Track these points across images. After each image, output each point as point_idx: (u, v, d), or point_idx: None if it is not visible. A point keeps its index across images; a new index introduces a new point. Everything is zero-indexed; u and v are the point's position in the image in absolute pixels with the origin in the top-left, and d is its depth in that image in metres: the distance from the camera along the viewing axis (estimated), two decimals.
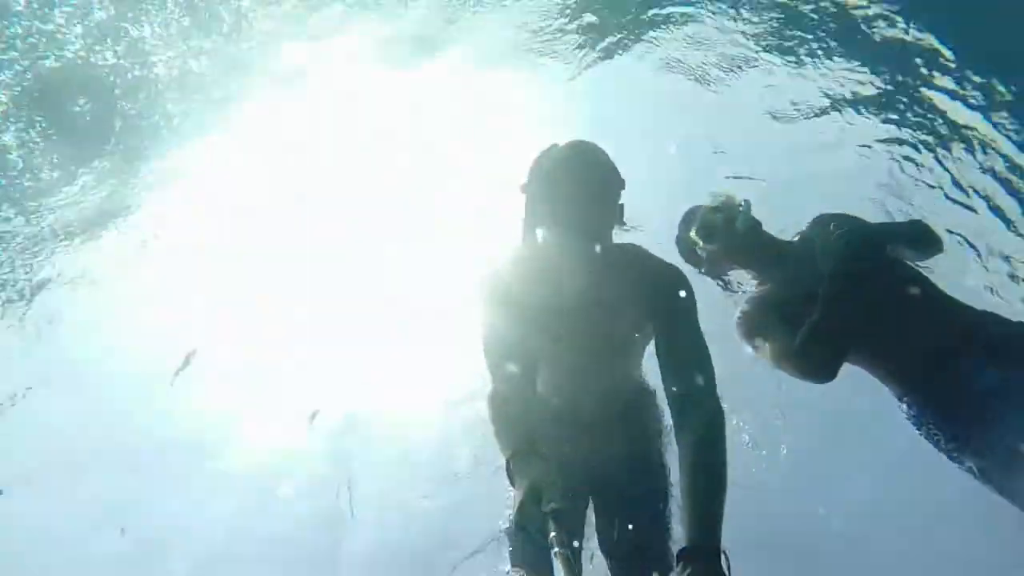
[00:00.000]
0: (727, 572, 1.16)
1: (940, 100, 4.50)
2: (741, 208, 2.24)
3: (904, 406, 2.03)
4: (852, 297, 1.89)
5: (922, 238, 2.22)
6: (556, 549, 0.98)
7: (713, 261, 2.29)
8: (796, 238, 2.36)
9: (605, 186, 1.63)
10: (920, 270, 2.16)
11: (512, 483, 1.22)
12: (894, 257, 2.13)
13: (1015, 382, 1.80)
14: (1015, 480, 1.78)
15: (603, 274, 1.66)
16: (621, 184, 1.68)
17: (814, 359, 1.89)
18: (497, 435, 1.43)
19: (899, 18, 4.29)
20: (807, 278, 2.02)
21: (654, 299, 1.67)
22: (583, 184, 1.58)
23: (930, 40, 4.29)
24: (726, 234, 2.21)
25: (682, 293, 1.67)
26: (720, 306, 2.43)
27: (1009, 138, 4.36)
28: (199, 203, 5.51)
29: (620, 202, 1.69)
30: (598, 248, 1.62)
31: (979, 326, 2.00)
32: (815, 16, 4.52)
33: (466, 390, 5.19)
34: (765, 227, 2.30)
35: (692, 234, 2.28)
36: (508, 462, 1.27)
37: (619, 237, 1.79)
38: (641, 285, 1.68)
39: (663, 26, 4.91)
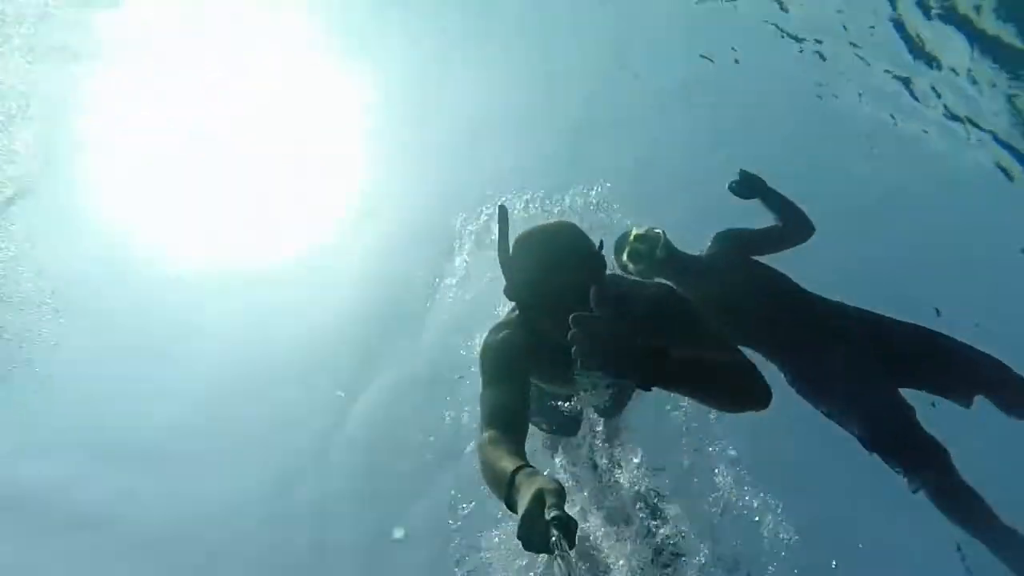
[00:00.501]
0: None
1: None
2: (660, 239, 2.98)
3: (783, 375, 2.87)
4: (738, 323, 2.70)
5: (796, 232, 2.99)
6: (556, 552, 0.99)
7: (642, 275, 3.03)
8: (704, 252, 3.12)
9: (586, 281, 1.53)
10: (785, 274, 2.97)
11: (512, 507, 1.20)
12: (766, 268, 2.94)
13: (843, 359, 2.66)
14: (848, 421, 2.66)
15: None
16: (603, 265, 1.68)
17: None
18: (488, 471, 1.38)
19: None
20: (713, 291, 2.80)
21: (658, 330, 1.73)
22: (571, 297, 1.47)
23: None
24: (649, 259, 2.95)
25: (680, 311, 1.79)
26: None
27: None
28: None
29: (605, 274, 1.71)
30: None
31: (828, 317, 2.84)
32: None
33: None
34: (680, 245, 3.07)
35: (624, 258, 3.01)
36: (509, 484, 1.24)
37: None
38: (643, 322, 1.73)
39: None
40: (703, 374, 1.47)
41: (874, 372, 2.64)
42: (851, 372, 2.65)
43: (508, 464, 1.29)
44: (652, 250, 2.94)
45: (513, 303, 1.85)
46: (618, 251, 3.05)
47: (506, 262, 1.69)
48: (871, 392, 2.62)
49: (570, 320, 1.28)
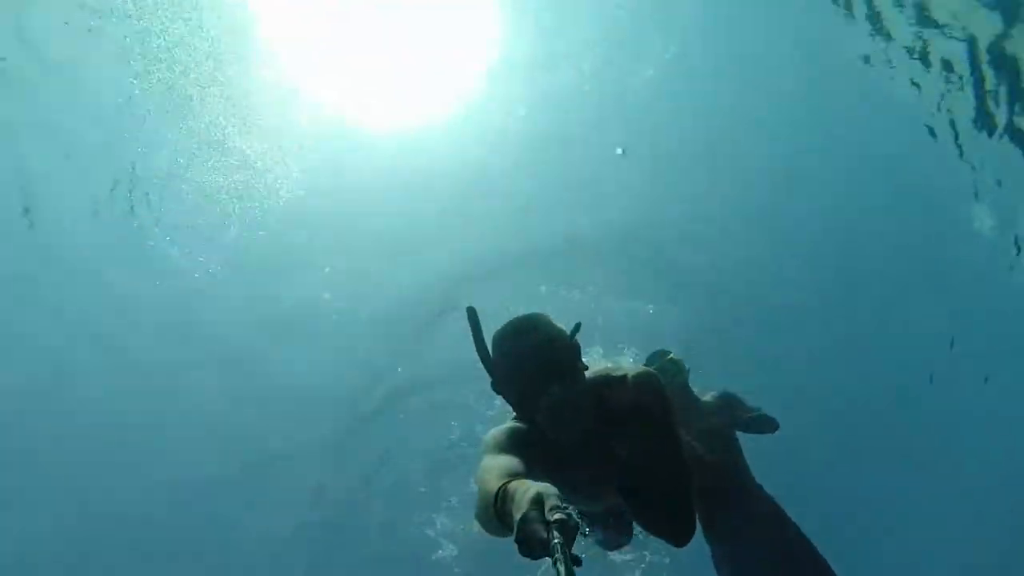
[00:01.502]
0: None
1: None
2: (686, 372, 3.85)
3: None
4: None
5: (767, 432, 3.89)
6: (557, 555, 0.95)
7: None
8: (708, 398, 3.98)
9: (567, 366, 1.73)
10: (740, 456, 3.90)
11: (504, 517, 1.20)
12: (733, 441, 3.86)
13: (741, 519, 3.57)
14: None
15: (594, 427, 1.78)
16: (577, 351, 1.78)
17: None
18: (480, 497, 1.38)
19: None
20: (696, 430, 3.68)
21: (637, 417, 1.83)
22: (549, 377, 1.68)
23: None
24: (669, 380, 3.82)
25: (658, 397, 1.87)
26: None
27: None
28: None
29: (582, 359, 1.80)
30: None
31: (749, 498, 3.74)
32: None
33: None
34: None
35: (653, 368, 3.88)
36: (498, 495, 1.24)
37: None
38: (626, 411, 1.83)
39: None
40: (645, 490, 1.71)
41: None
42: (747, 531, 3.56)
43: (499, 481, 1.30)
44: (676, 375, 3.82)
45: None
46: (651, 360, 3.93)
47: (486, 361, 1.77)
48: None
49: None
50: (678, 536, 1.74)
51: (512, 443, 1.69)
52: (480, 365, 1.81)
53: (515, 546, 1.04)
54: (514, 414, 1.89)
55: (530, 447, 1.70)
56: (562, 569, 0.93)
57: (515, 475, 1.41)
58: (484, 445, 1.72)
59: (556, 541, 0.97)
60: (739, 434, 3.95)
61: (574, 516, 1.02)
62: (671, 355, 3.92)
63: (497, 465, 1.49)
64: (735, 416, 3.91)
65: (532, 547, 1.01)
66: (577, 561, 0.96)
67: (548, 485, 1.11)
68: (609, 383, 1.85)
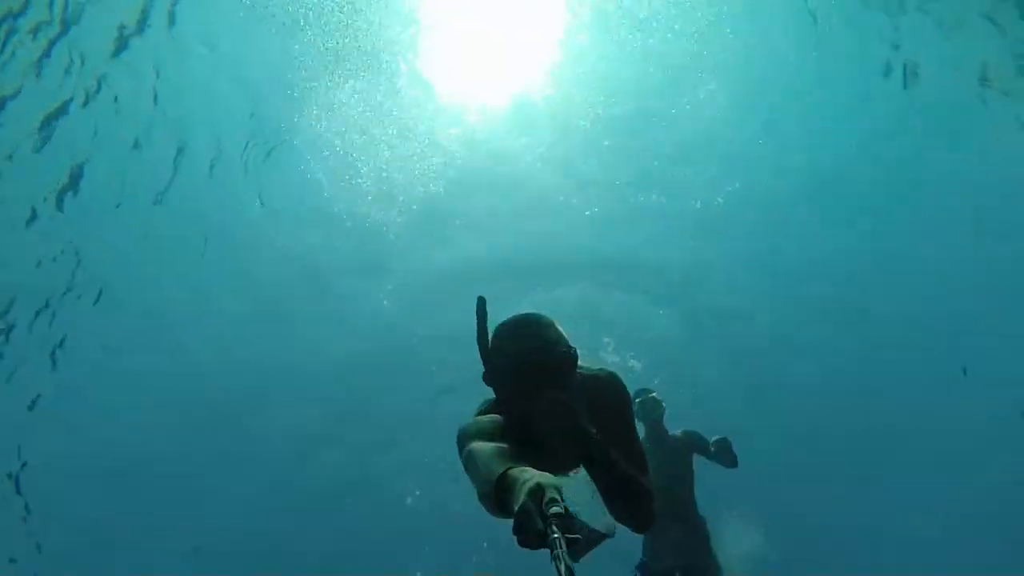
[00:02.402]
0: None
1: None
2: (663, 411, 4.76)
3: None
4: None
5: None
6: (557, 551, 0.95)
7: (636, 413, 4.84)
8: (676, 433, 4.91)
9: (558, 371, 1.70)
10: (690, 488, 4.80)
11: (500, 507, 1.20)
12: (687, 469, 4.77)
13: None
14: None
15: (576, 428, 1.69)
16: (574, 358, 1.75)
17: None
18: (475, 473, 1.38)
19: None
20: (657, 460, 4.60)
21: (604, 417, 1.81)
22: (541, 384, 1.64)
23: None
24: (647, 414, 4.74)
25: (621, 395, 1.93)
26: None
27: None
28: None
29: (577, 366, 1.78)
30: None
31: (688, 513, 4.67)
32: None
33: None
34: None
35: (636, 401, 4.80)
36: (497, 483, 1.23)
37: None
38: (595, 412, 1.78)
39: None
40: (620, 479, 1.68)
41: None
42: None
43: (499, 465, 1.28)
44: (653, 411, 4.74)
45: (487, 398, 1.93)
46: (639, 394, 4.84)
47: (485, 352, 1.78)
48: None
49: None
50: (643, 523, 1.81)
51: (499, 432, 1.68)
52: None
53: (513, 537, 1.06)
54: (484, 404, 1.94)
55: (509, 439, 1.66)
56: (561, 567, 0.95)
57: (513, 461, 1.40)
58: (467, 432, 1.68)
59: (555, 536, 0.99)
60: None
61: (570, 510, 1.04)
62: (653, 393, 4.83)
63: (492, 450, 1.47)
64: (700, 446, 4.76)
65: (529, 539, 1.03)
66: (575, 543, 1.00)
67: (548, 476, 1.14)
68: (585, 382, 1.90)
